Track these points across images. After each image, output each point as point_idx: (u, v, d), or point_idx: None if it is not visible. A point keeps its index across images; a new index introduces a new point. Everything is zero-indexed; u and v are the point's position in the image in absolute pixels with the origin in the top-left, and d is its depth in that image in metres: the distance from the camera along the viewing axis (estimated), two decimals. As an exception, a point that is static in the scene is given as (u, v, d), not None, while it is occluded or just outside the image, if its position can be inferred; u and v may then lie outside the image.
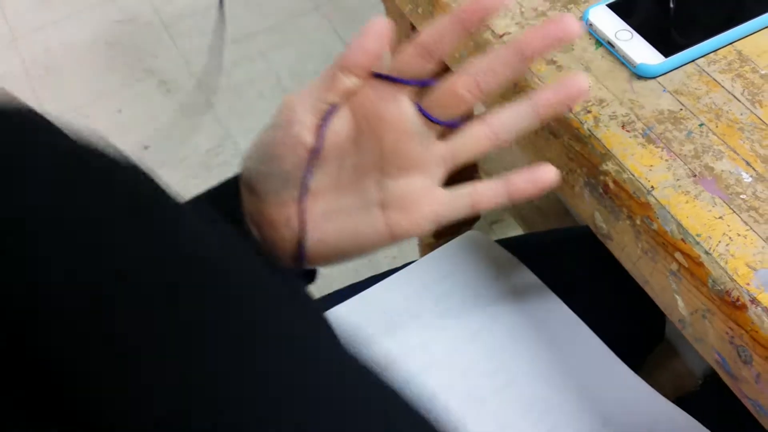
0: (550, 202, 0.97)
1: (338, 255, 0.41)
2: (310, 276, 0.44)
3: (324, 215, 0.40)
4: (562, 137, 0.46)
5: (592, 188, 0.45)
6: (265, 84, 1.49)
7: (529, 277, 0.60)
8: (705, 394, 0.65)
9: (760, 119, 0.44)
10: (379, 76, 0.38)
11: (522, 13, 0.51)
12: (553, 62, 0.48)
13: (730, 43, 0.47)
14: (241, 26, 1.59)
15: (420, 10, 0.57)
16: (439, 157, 0.40)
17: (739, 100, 0.45)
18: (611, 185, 0.44)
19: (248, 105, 1.47)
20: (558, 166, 0.48)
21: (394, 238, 0.40)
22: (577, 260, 0.63)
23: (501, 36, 0.50)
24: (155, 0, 1.67)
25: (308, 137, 0.38)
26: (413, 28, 0.75)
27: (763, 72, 0.46)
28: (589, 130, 0.45)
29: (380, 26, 0.38)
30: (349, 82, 0.38)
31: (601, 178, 0.44)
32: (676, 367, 0.84)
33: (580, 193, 0.47)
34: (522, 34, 0.37)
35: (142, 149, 1.42)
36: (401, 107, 0.39)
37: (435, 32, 0.37)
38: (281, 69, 1.51)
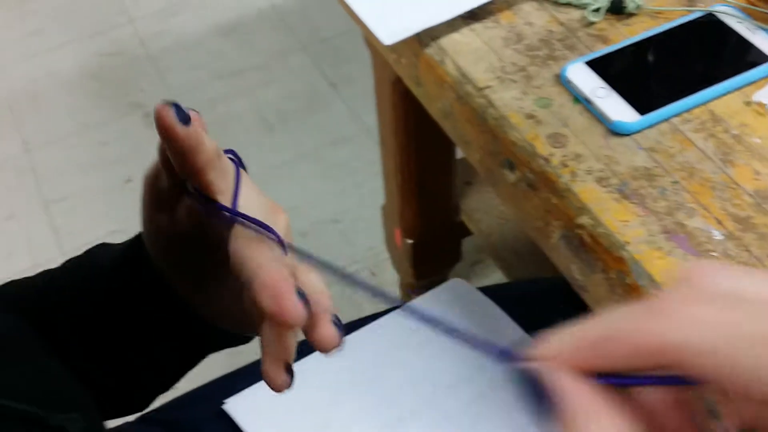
0: (528, 246, 0.98)
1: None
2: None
3: None
4: (540, 190, 0.47)
5: (568, 241, 0.46)
6: (251, 120, 1.51)
7: (511, 326, 0.61)
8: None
9: (731, 179, 0.45)
10: None
11: (503, 67, 0.52)
12: (532, 116, 0.49)
13: (704, 103, 0.49)
14: (229, 63, 1.61)
15: (403, 61, 0.58)
16: None
17: (711, 159, 0.46)
18: (587, 239, 0.45)
19: (233, 140, 1.47)
20: (535, 218, 0.49)
21: None
22: (558, 311, 0.63)
23: (481, 89, 0.51)
24: (143, 34, 1.68)
25: None
26: (399, 79, 0.77)
27: (734, 132, 0.47)
28: (566, 184, 0.46)
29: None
30: None
31: (577, 231, 0.45)
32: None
33: (556, 244, 0.47)
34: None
35: (124, 182, 1.42)
36: None
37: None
38: (266, 106, 1.53)
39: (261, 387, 0.59)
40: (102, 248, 0.43)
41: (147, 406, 0.47)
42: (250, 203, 0.32)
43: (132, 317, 0.40)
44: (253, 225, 0.30)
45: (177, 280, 0.39)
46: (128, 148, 1.47)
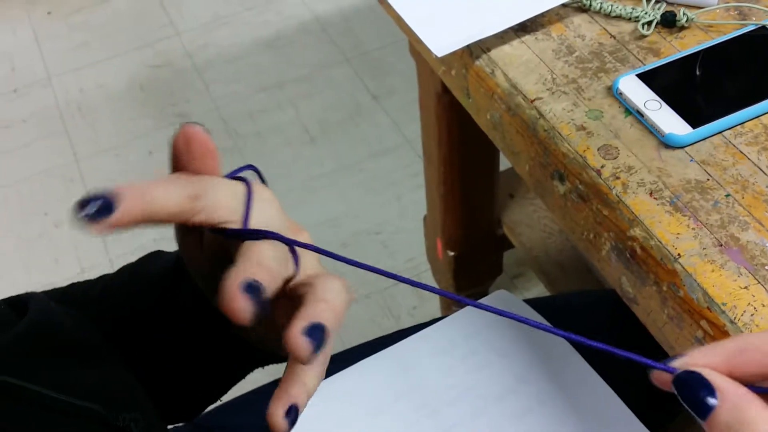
0: (572, 260, 0.97)
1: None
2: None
3: None
4: (590, 202, 0.47)
5: (619, 253, 0.46)
6: (293, 132, 1.53)
7: (556, 339, 0.61)
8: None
9: (787, 192, 0.45)
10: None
11: (553, 79, 0.52)
12: (583, 128, 0.49)
13: (757, 117, 0.49)
14: (271, 75, 1.64)
15: (453, 73, 0.59)
16: None
17: (765, 173, 0.46)
18: (638, 251, 0.44)
19: (273, 152, 1.50)
20: (585, 230, 0.49)
21: None
22: (605, 324, 0.63)
23: (532, 101, 0.51)
24: (189, 46, 1.72)
25: None
26: (444, 87, 0.78)
27: (789, 146, 0.47)
28: (618, 196, 0.46)
29: None
30: None
31: (629, 243, 0.45)
32: (697, 433, 0.82)
33: (607, 257, 0.47)
34: None
35: (169, 191, 1.45)
36: None
37: None
38: (309, 118, 1.55)
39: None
40: (155, 256, 0.43)
41: (194, 416, 0.47)
42: (264, 222, 0.31)
43: (176, 329, 0.40)
44: (263, 235, 0.30)
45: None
46: (173, 158, 1.50)
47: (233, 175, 0.32)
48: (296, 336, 0.26)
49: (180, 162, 0.30)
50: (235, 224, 0.30)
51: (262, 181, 0.34)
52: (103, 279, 0.45)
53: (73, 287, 0.45)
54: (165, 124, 1.56)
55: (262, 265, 0.28)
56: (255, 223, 0.30)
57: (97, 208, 0.26)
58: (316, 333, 0.27)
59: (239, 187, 0.31)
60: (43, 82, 1.67)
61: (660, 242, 0.44)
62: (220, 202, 0.29)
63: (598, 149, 0.48)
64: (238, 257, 0.28)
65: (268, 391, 0.61)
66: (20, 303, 0.36)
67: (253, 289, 0.26)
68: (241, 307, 0.26)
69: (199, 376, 0.42)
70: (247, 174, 0.33)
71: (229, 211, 0.30)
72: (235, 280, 0.26)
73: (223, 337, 0.39)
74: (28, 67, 1.71)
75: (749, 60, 0.52)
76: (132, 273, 0.43)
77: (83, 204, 0.26)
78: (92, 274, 1.38)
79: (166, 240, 1.34)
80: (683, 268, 0.43)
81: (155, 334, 0.40)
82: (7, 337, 0.32)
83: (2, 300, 0.37)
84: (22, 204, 1.45)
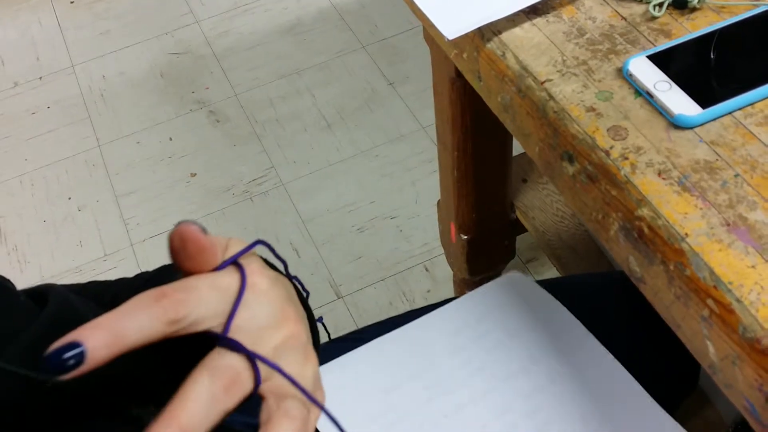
0: (584, 243, 0.98)
1: None
2: None
3: None
4: (599, 182, 0.48)
5: (627, 233, 0.47)
6: (310, 118, 1.54)
7: (568, 319, 0.61)
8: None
9: (795, 172, 0.45)
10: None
11: (564, 61, 0.53)
12: (593, 109, 0.50)
13: (767, 98, 0.49)
14: (290, 62, 1.65)
15: (465, 56, 0.59)
16: None
17: (774, 153, 0.46)
18: (646, 230, 0.45)
19: (292, 138, 1.51)
20: (594, 210, 0.49)
21: None
22: (616, 304, 0.64)
23: (542, 83, 0.52)
24: (209, 34, 1.74)
25: None
26: (457, 72, 0.78)
27: (799, 126, 0.47)
28: (626, 177, 0.46)
29: None
30: None
31: (637, 223, 0.45)
32: (708, 415, 0.83)
33: (615, 236, 0.48)
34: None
35: (189, 176, 1.47)
36: None
37: None
38: (325, 104, 1.56)
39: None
40: (172, 268, 0.42)
41: None
42: (247, 325, 0.31)
43: (184, 343, 0.41)
44: (233, 347, 0.30)
45: None
46: (194, 144, 1.52)
47: (238, 256, 0.32)
48: None
49: (177, 259, 0.31)
50: (218, 327, 0.30)
51: (275, 254, 0.34)
52: (118, 284, 0.45)
53: (88, 289, 0.46)
54: (185, 111, 1.58)
55: (190, 414, 0.27)
56: (237, 325, 0.30)
57: (69, 362, 0.26)
58: None
59: (232, 281, 0.31)
60: (67, 70, 1.70)
61: (667, 222, 0.44)
62: (202, 316, 0.30)
63: (607, 130, 0.49)
64: (174, 396, 0.28)
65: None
66: (39, 294, 0.36)
67: None
68: None
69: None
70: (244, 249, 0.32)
71: (212, 320, 0.30)
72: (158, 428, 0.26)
73: None
74: (52, 56, 1.74)
75: (760, 41, 0.52)
76: (146, 282, 0.44)
77: (54, 355, 0.26)
78: (115, 258, 1.40)
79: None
80: (690, 247, 0.43)
81: (171, 347, 0.41)
82: (29, 330, 0.32)
83: (22, 291, 0.37)
84: (48, 188, 1.48)
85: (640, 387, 0.58)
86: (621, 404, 0.57)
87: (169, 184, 1.46)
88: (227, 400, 0.29)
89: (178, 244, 0.30)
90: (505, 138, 0.91)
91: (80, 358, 0.26)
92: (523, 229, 1.03)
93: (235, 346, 0.30)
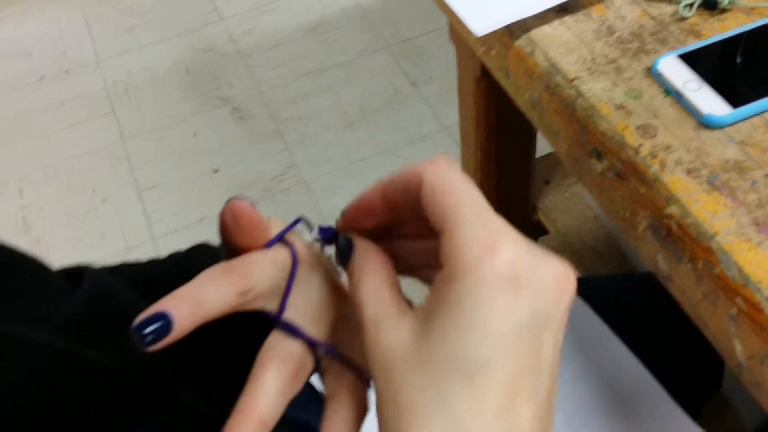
0: (607, 246, 0.97)
1: None
2: None
3: None
4: (628, 180, 0.48)
5: (655, 231, 0.47)
6: (333, 117, 1.55)
7: (591, 318, 0.61)
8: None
9: (827, 173, 0.45)
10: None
11: (593, 59, 0.53)
12: (622, 107, 0.50)
13: (799, 99, 0.49)
14: (313, 61, 1.66)
15: (493, 52, 0.60)
16: None
17: (805, 154, 0.46)
18: (675, 228, 0.45)
19: (314, 136, 1.52)
20: (622, 208, 0.49)
21: None
22: (640, 304, 0.63)
23: (572, 80, 0.52)
24: (234, 32, 1.75)
25: None
26: (483, 72, 0.79)
27: (831, 128, 0.47)
28: (655, 174, 0.46)
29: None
30: None
31: (665, 221, 0.45)
32: (728, 420, 0.82)
33: (643, 234, 0.48)
34: None
35: (211, 172, 1.48)
36: None
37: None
38: (348, 104, 1.56)
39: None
40: (203, 249, 0.44)
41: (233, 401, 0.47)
42: (302, 301, 0.31)
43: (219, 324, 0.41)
44: (290, 330, 0.30)
45: None
46: (216, 140, 1.53)
47: (284, 231, 0.32)
48: None
49: (229, 235, 0.30)
50: (274, 304, 0.31)
51: (319, 228, 0.34)
52: (150, 265, 0.46)
53: (121, 269, 0.46)
54: (209, 107, 1.60)
55: (266, 405, 0.28)
56: (291, 302, 0.31)
57: (156, 333, 0.27)
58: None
59: (286, 257, 0.31)
60: (93, 65, 1.72)
61: (696, 220, 0.44)
62: (264, 291, 0.30)
63: (636, 128, 0.49)
64: (246, 387, 0.29)
65: None
66: (75, 274, 0.37)
67: None
68: None
69: (242, 364, 0.42)
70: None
71: (270, 297, 0.31)
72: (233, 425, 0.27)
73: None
74: (78, 50, 1.76)
75: (793, 43, 0.52)
76: (179, 265, 0.44)
77: (142, 327, 0.27)
78: (136, 251, 1.41)
79: (208, 219, 1.37)
80: (719, 245, 0.43)
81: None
82: (65, 307, 0.33)
83: (57, 270, 0.38)
84: (71, 181, 1.50)
85: (663, 389, 0.58)
86: (643, 406, 0.57)
87: (192, 180, 1.47)
88: (296, 386, 0.29)
89: (230, 219, 0.30)
90: (529, 139, 0.91)
91: (167, 328, 0.27)
92: (545, 231, 1.02)
93: (294, 331, 0.30)
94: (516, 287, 0.24)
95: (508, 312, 0.24)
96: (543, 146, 0.89)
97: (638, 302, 0.64)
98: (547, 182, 1.04)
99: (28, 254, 0.36)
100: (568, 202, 1.00)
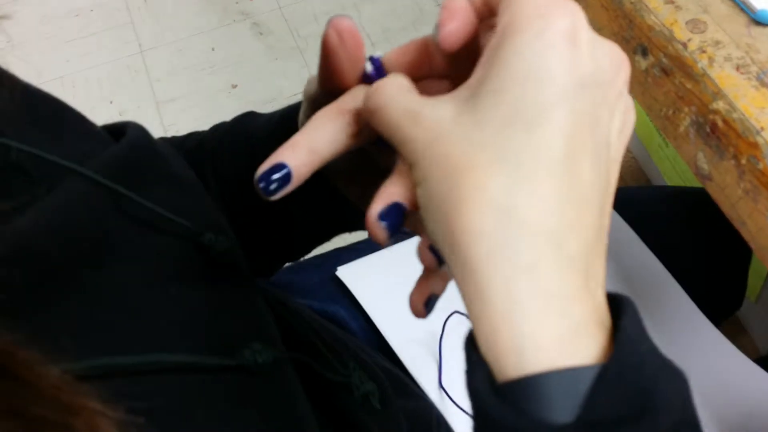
0: (632, 172, 0.97)
1: None
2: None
3: None
4: (673, 75, 0.47)
5: (699, 127, 0.46)
6: (354, 36, 1.52)
7: (622, 227, 0.61)
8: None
9: None
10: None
11: (644, -47, 0.51)
12: (671, 2, 0.48)
13: None
14: (335, -23, 1.62)
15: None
16: None
17: None
18: (720, 124, 0.44)
19: (335, 54, 1.49)
20: (665, 106, 0.49)
21: None
22: (670, 217, 0.63)
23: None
24: (254, -55, 1.70)
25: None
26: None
27: None
28: (703, 69, 0.45)
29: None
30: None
31: (711, 116, 0.45)
32: (742, 343, 0.83)
33: (685, 132, 0.47)
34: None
35: (230, 87, 1.46)
36: None
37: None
38: (370, 23, 1.53)
39: (370, 259, 0.61)
40: (250, 117, 0.43)
41: (274, 273, 0.47)
42: None
43: None
44: None
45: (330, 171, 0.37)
46: (235, 55, 1.51)
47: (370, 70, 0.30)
48: (372, 222, 0.26)
49: (333, 59, 0.29)
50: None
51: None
52: (196, 136, 0.45)
53: (166, 139, 0.46)
54: (228, 21, 1.57)
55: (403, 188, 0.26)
56: None
57: (279, 181, 0.27)
58: (392, 214, 0.26)
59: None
60: (110, -25, 1.69)
61: (743, 115, 0.43)
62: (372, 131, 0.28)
63: (686, 23, 0.47)
64: (392, 175, 0.27)
65: (334, 256, 0.63)
66: (117, 130, 0.37)
67: (393, 215, 0.26)
68: (380, 235, 0.26)
69: (290, 232, 0.42)
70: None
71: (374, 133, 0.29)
72: (374, 209, 0.26)
73: (325, 195, 0.38)
74: (95, -42, 1.72)
75: None
76: (228, 131, 0.43)
77: (264, 177, 0.27)
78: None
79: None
80: (765, 140, 0.42)
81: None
82: (108, 150, 0.33)
83: (102, 126, 0.38)
84: (89, 91, 1.49)
85: (689, 299, 0.58)
86: (670, 314, 0.58)
87: (210, 94, 1.46)
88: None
89: (335, 39, 0.28)
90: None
91: (288, 178, 0.27)
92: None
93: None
94: (578, 45, 0.23)
95: (570, 63, 0.23)
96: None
97: (666, 213, 0.64)
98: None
99: (73, 108, 0.35)
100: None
